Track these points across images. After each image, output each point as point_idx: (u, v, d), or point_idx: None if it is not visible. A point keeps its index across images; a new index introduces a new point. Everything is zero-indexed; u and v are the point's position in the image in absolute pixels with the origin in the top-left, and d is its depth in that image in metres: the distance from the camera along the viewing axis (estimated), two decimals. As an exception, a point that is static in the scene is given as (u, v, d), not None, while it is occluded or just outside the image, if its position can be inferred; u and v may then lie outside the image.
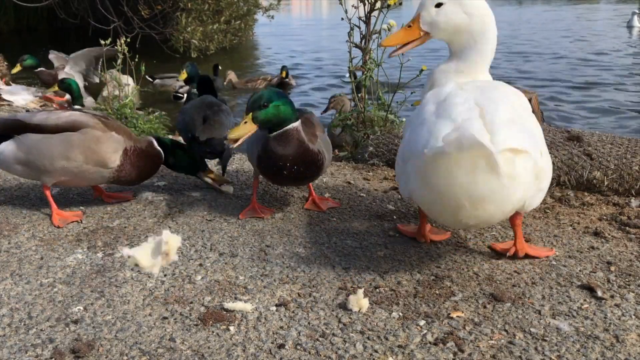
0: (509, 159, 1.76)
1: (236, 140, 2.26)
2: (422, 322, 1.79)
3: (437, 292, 1.98)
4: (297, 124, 2.38)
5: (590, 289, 1.97)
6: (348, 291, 1.98)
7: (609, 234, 2.42)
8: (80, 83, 6.66)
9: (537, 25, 19.94)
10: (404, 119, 3.98)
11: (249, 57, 13.95)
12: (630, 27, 17.74)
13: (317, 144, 2.47)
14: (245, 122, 2.30)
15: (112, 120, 2.74)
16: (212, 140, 2.90)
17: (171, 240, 1.61)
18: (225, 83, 10.05)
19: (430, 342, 1.70)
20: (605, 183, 2.88)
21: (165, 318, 1.84)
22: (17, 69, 7.10)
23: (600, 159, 2.95)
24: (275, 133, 2.37)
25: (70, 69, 7.07)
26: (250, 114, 2.30)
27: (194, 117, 3.06)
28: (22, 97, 6.81)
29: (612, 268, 2.13)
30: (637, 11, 18.26)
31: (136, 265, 1.60)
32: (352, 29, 4.06)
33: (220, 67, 10.80)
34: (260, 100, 2.31)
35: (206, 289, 2.02)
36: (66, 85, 4.92)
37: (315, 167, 2.45)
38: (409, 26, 2.20)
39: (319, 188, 3.04)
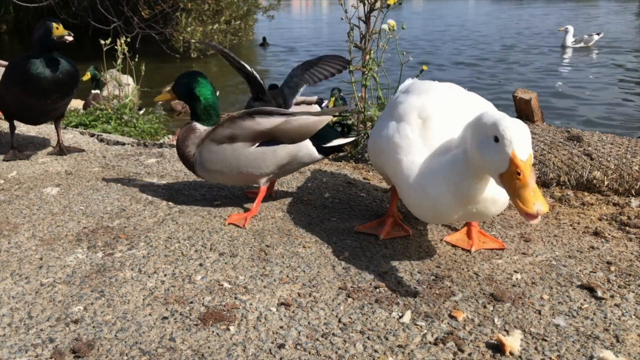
0: None
1: None
2: (422, 322, 1.79)
3: (437, 292, 1.98)
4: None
5: (590, 289, 1.97)
6: (348, 291, 1.98)
7: (609, 234, 2.42)
8: None
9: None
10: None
11: (248, 57, 13.95)
12: (563, 46, 16.40)
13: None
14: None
15: None
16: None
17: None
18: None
19: (430, 342, 1.70)
20: (605, 183, 2.88)
21: (165, 318, 1.84)
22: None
23: (600, 159, 2.95)
24: None
25: None
26: None
27: None
28: None
29: (612, 268, 2.13)
30: (568, 28, 16.33)
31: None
32: (351, 29, 4.06)
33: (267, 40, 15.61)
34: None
35: (206, 289, 2.02)
36: None
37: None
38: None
39: (319, 188, 3.04)
